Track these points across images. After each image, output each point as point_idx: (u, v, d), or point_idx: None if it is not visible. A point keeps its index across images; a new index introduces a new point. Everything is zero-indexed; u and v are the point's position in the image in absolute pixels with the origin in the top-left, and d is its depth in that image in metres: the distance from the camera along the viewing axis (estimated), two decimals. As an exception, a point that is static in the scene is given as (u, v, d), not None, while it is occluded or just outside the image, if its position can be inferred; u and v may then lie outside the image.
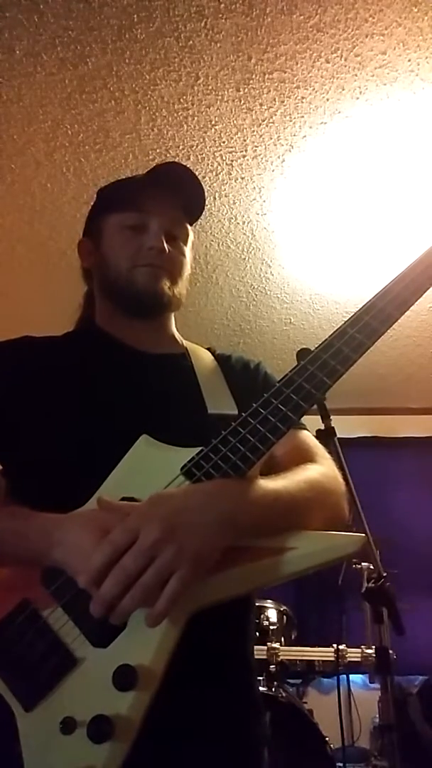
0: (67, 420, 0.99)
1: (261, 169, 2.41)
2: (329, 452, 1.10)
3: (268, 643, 2.66)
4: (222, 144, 2.30)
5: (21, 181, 2.46)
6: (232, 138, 2.27)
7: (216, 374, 1.15)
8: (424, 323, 3.30)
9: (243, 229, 2.71)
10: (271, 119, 2.20)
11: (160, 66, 2.00)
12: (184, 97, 2.12)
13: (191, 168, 1.19)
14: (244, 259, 2.89)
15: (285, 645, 2.74)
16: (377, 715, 2.68)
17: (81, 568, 0.77)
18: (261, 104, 2.14)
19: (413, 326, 3.33)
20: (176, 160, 2.21)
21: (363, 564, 2.57)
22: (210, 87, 2.08)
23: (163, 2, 1.81)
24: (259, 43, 1.92)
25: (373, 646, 2.22)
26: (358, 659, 2.67)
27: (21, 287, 3.09)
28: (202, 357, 1.19)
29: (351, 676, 2.88)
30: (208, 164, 2.37)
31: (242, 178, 2.45)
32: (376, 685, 2.17)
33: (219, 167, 2.40)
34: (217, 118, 2.20)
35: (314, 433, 1.44)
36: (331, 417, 1.56)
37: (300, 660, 2.74)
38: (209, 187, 2.48)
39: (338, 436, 1.72)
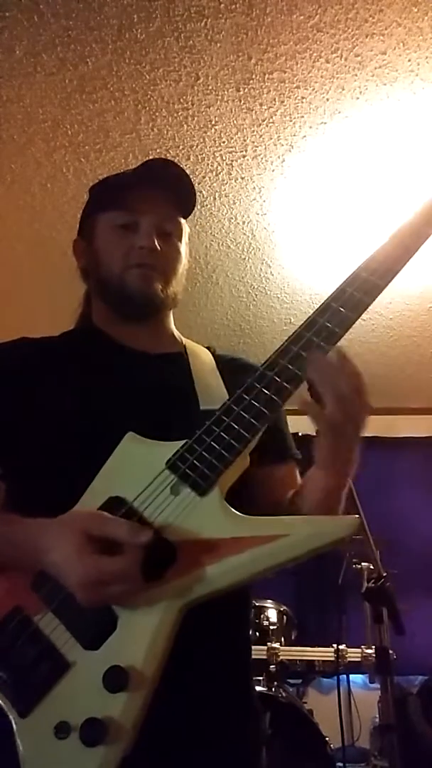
0: (61, 422, 0.99)
1: (261, 169, 2.41)
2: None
3: (268, 643, 2.66)
4: (222, 144, 2.30)
5: (21, 181, 2.46)
6: (232, 138, 2.27)
7: (212, 372, 1.13)
8: (424, 323, 3.30)
9: (243, 229, 2.71)
10: (271, 119, 2.20)
11: (160, 66, 2.00)
12: (184, 97, 2.12)
13: (191, 168, 1.19)
14: (244, 259, 2.89)
15: (285, 645, 2.74)
16: (377, 715, 2.67)
17: (69, 576, 0.78)
18: (261, 104, 2.14)
19: (413, 326, 3.33)
20: (176, 160, 2.20)
21: (363, 564, 2.57)
22: (210, 87, 2.08)
23: (163, 2, 1.81)
24: (259, 43, 1.92)
25: (373, 646, 2.22)
26: (358, 659, 2.67)
27: (21, 287, 3.09)
28: (200, 355, 1.18)
29: (351, 676, 2.88)
30: (208, 164, 2.37)
31: (242, 178, 2.45)
32: (376, 685, 2.17)
33: (219, 167, 2.40)
34: (217, 118, 2.20)
35: (314, 433, 1.45)
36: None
37: (300, 660, 2.75)
38: (209, 187, 2.48)
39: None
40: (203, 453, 0.85)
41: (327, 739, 2.36)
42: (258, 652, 2.61)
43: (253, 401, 0.86)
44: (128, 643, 0.77)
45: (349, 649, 2.69)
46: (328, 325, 0.88)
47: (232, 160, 2.37)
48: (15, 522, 0.89)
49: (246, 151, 2.33)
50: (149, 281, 1.11)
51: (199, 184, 2.47)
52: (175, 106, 2.15)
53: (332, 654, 2.69)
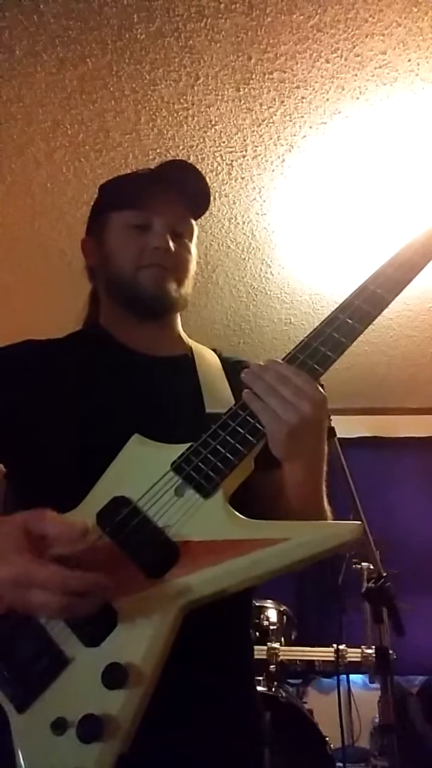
0: (66, 424, 0.99)
1: (261, 169, 2.41)
2: (329, 452, 1.08)
3: (268, 643, 2.66)
4: (222, 144, 2.30)
5: (21, 181, 2.46)
6: (232, 138, 2.28)
7: (218, 375, 1.14)
8: (424, 323, 3.31)
9: (243, 229, 2.71)
10: (271, 119, 2.20)
11: (160, 66, 2.00)
12: (184, 97, 2.12)
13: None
14: (244, 259, 2.89)
15: (285, 645, 2.75)
16: (377, 715, 2.67)
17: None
18: (261, 104, 2.14)
19: (413, 326, 3.33)
20: (176, 160, 2.21)
21: (363, 564, 2.57)
22: (210, 87, 2.08)
23: (163, 2, 1.81)
24: (259, 43, 1.92)
25: (373, 646, 2.22)
26: (358, 659, 2.68)
27: (21, 287, 3.09)
28: (206, 358, 1.18)
29: (351, 676, 2.88)
30: (208, 164, 2.37)
31: (242, 178, 2.45)
32: (376, 685, 2.17)
33: (219, 167, 2.40)
34: (217, 118, 2.20)
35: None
36: (331, 417, 1.56)
37: (300, 660, 2.75)
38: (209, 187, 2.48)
39: (338, 436, 1.72)
40: (208, 456, 0.86)
41: (327, 739, 2.36)
42: (258, 652, 2.62)
43: None
44: (128, 641, 0.77)
45: (349, 649, 2.69)
46: (335, 335, 0.89)
47: (232, 160, 2.37)
48: None
49: (246, 151, 2.33)
50: (163, 282, 1.11)
51: (199, 184, 2.47)
52: (175, 106, 2.15)
53: (332, 654, 2.69)
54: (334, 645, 2.67)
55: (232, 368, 1.15)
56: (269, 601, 2.84)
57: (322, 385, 0.95)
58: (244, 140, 2.28)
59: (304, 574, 3.49)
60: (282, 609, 2.87)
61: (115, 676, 0.75)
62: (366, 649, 2.67)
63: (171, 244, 1.11)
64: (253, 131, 2.25)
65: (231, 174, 2.43)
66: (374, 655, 1.95)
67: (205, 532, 0.82)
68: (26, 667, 0.79)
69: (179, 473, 0.86)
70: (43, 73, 2.02)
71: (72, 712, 0.74)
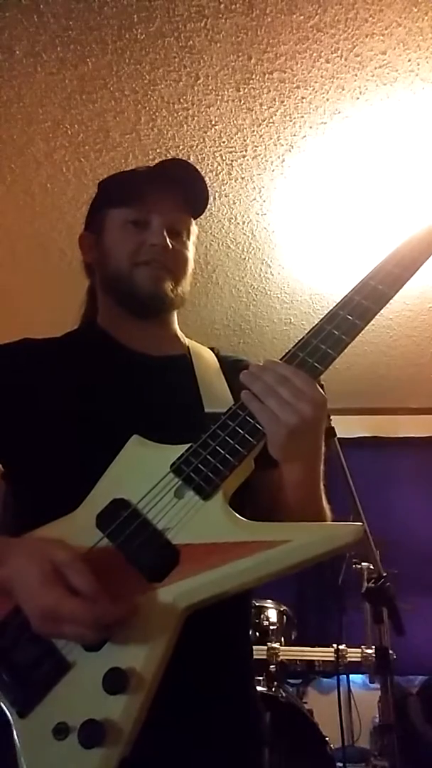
0: (63, 425, 0.99)
1: (261, 169, 2.41)
2: (329, 452, 1.08)
3: (268, 643, 2.66)
4: (222, 144, 2.30)
5: (21, 181, 2.46)
6: (232, 138, 2.27)
7: (216, 374, 1.12)
8: (424, 323, 3.31)
9: (243, 229, 2.71)
10: (271, 119, 2.20)
11: (160, 66, 2.00)
12: (184, 97, 2.12)
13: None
14: (244, 259, 2.89)
15: (285, 645, 2.74)
16: (377, 715, 2.67)
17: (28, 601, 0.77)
18: (261, 104, 2.14)
19: (413, 326, 3.33)
20: (176, 160, 2.21)
21: (363, 564, 2.57)
22: (210, 87, 2.08)
23: (163, 2, 1.81)
24: (259, 43, 1.92)
25: (373, 646, 2.22)
26: (358, 659, 2.67)
27: (21, 287, 3.09)
28: (204, 357, 1.17)
29: (351, 676, 2.88)
30: (208, 164, 2.37)
31: (242, 178, 2.45)
32: (376, 685, 2.17)
33: (219, 167, 2.40)
34: (217, 118, 2.20)
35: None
36: (331, 417, 1.56)
37: (300, 660, 2.74)
38: (209, 187, 2.47)
39: (338, 436, 1.72)
40: (208, 457, 0.85)
41: (327, 739, 2.36)
42: (258, 652, 2.61)
43: None
44: (129, 646, 0.77)
45: (349, 649, 2.69)
46: (335, 332, 0.88)
47: (232, 160, 2.37)
48: None
49: (246, 151, 2.33)
50: (159, 280, 1.10)
51: (199, 184, 2.47)
52: (175, 106, 2.15)
53: (332, 654, 2.68)
54: (334, 645, 2.66)
55: (230, 367, 1.14)
56: (269, 601, 2.83)
57: (321, 385, 0.94)
58: (244, 140, 2.28)
59: (304, 574, 3.48)
60: (282, 609, 2.87)
61: (115, 681, 0.75)
62: (366, 649, 2.66)
63: (168, 241, 1.10)
64: (253, 131, 2.25)
65: (231, 174, 2.43)
66: (374, 655, 1.96)
67: (206, 535, 0.82)
68: (27, 672, 0.79)
69: (179, 475, 0.85)
70: (43, 73, 2.02)
71: (73, 718, 0.74)
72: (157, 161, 1.17)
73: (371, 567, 2.19)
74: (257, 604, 2.76)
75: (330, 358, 0.87)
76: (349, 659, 2.67)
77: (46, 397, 1.02)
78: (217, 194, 2.51)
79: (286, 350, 0.89)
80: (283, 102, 2.13)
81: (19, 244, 2.80)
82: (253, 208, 2.60)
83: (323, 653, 2.75)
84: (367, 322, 0.88)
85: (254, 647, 2.65)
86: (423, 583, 3.42)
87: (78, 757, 0.72)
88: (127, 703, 0.74)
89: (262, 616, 2.77)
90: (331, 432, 1.63)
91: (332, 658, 2.68)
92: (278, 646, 2.66)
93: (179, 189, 1.13)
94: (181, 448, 0.87)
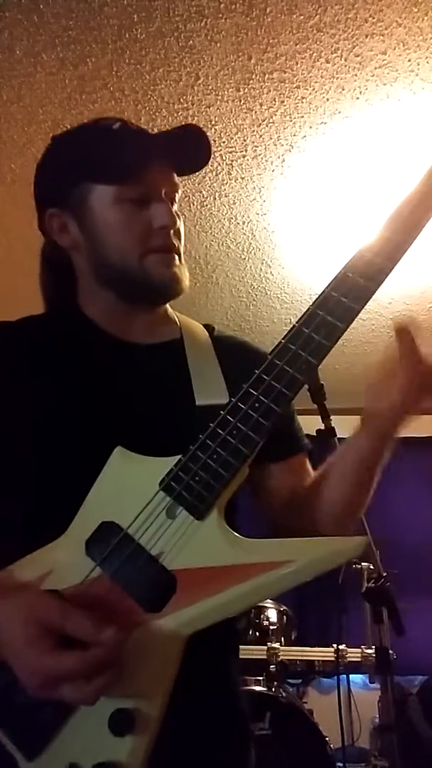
0: (42, 431, 0.92)
1: (261, 169, 2.41)
2: (329, 452, 1.07)
3: (268, 643, 2.66)
4: (222, 144, 2.30)
5: (21, 181, 2.46)
6: (232, 138, 2.27)
7: (210, 360, 1.03)
8: (424, 323, 3.29)
9: (243, 229, 2.71)
10: (271, 119, 2.20)
11: (160, 66, 2.00)
12: (184, 97, 2.12)
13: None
14: (244, 259, 2.89)
15: (285, 645, 2.75)
16: (377, 715, 2.67)
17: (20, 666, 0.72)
18: (261, 104, 2.14)
19: (413, 326, 3.32)
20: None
21: (363, 564, 2.57)
22: (210, 87, 2.08)
23: (163, 2, 1.81)
24: (259, 43, 1.92)
25: (373, 646, 2.22)
26: (358, 659, 2.68)
27: (21, 287, 3.08)
28: (197, 340, 1.08)
29: (351, 676, 2.88)
30: (208, 164, 2.37)
31: (242, 178, 2.45)
32: (376, 685, 2.17)
33: (219, 167, 2.40)
34: (217, 118, 2.20)
35: (314, 433, 1.44)
36: (331, 417, 1.56)
37: (300, 660, 2.75)
38: (209, 187, 2.48)
39: (338, 436, 1.72)
40: (199, 472, 0.79)
41: (327, 739, 2.37)
42: (258, 652, 2.62)
43: (250, 411, 0.79)
44: (132, 682, 0.75)
45: (349, 649, 2.69)
46: (329, 319, 0.81)
47: (232, 160, 2.37)
48: None
49: (246, 151, 2.33)
50: (172, 266, 0.98)
51: (199, 184, 2.47)
52: (175, 106, 2.15)
53: (332, 654, 2.69)
54: (334, 645, 2.67)
55: (226, 351, 1.06)
56: (269, 601, 2.84)
57: (321, 385, 0.93)
58: (244, 140, 2.28)
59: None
60: (282, 609, 2.87)
61: (122, 722, 0.73)
62: (366, 649, 2.67)
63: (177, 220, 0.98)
64: (253, 131, 2.25)
65: (231, 174, 2.43)
66: (374, 655, 1.96)
67: (203, 558, 0.78)
68: (34, 713, 0.76)
69: (169, 493, 0.80)
70: (43, 73, 2.02)
71: (84, 760, 0.74)
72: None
73: (371, 567, 2.19)
74: (257, 604, 2.76)
75: (325, 349, 0.80)
76: (349, 659, 2.67)
77: (22, 393, 0.94)
78: (217, 194, 2.51)
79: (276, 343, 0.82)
80: (283, 102, 2.13)
81: (18, 244, 2.80)
82: (253, 208, 2.60)
83: (323, 653, 2.75)
84: (363, 305, 0.83)
85: (254, 647, 2.66)
86: (423, 583, 3.42)
87: None
88: (134, 744, 0.73)
89: (262, 616, 2.78)
90: (331, 432, 1.63)
91: (332, 658, 2.69)
92: (278, 646, 2.67)
93: (182, 155, 1.01)
94: (170, 462, 0.81)
